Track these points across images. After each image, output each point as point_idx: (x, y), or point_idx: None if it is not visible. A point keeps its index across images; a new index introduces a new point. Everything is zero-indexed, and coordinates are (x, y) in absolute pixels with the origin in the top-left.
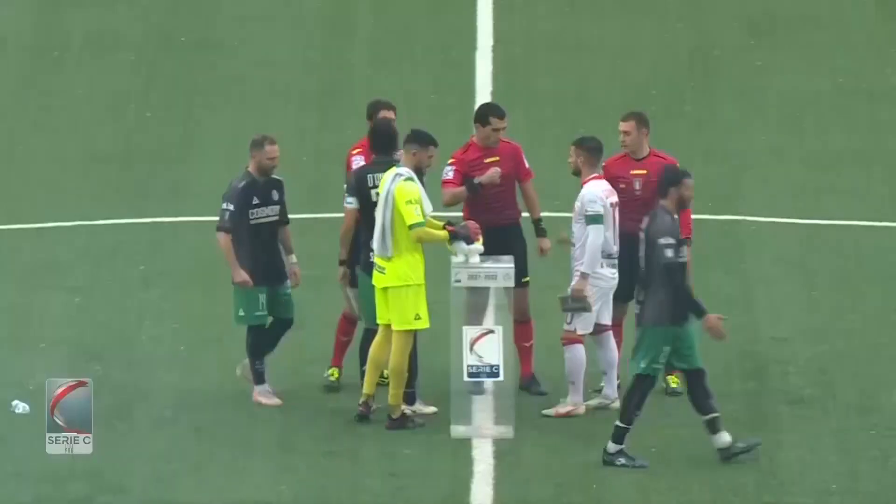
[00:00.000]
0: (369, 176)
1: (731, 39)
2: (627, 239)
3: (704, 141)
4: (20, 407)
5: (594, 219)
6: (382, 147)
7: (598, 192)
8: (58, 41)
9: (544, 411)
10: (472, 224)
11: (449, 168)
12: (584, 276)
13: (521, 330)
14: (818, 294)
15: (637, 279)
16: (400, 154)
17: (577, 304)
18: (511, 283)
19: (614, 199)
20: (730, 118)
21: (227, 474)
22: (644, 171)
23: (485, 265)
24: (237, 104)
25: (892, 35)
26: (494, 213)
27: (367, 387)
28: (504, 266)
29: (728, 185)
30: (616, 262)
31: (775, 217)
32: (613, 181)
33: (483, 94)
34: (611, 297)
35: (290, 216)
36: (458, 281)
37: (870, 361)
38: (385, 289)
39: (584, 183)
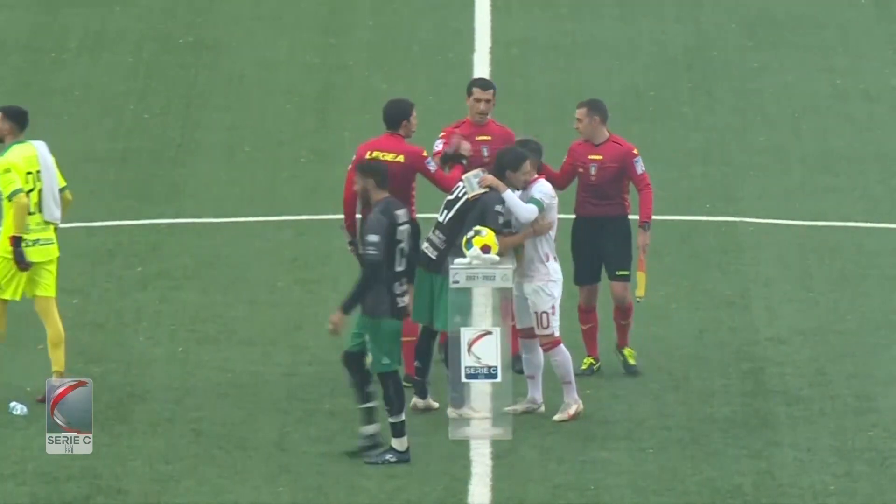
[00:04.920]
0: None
1: (729, 40)
2: (587, 223)
3: (703, 141)
4: (18, 408)
5: (537, 203)
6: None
7: (550, 189)
8: (56, 41)
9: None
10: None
11: (439, 140)
12: (506, 194)
13: None
14: (816, 295)
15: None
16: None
17: (481, 193)
18: (510, 285)
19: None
20: (728, 118)
21: (224, 475)
22: (600, 157)
23: (483, 267)
24: (236, 104)
25: (891, 36)
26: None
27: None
28: (503, 268)
29: (726, 186)
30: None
31: (773, 218)
32: (574, 164)
33: None
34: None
35: (288, 217)
36: (457, 282)
37: (868, 362)
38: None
39: (533, 182)
